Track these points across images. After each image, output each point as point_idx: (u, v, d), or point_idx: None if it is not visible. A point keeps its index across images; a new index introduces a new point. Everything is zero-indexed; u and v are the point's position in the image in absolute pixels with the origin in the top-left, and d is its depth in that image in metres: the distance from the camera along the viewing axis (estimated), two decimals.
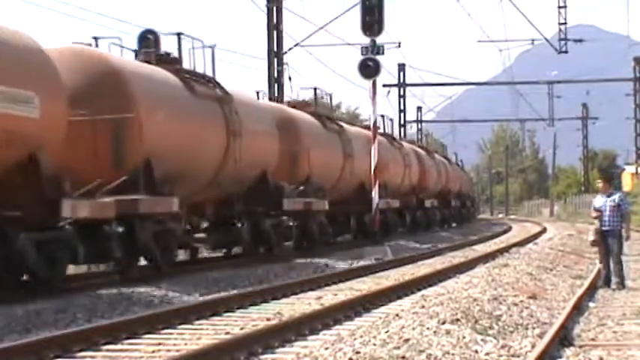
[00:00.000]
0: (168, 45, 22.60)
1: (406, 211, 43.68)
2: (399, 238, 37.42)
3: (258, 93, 30.44)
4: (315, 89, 34.14)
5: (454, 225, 57.71)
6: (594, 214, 18.93)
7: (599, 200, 18.89)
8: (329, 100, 35.35)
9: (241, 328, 12.91)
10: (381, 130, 40.40)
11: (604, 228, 18.68)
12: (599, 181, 19.55)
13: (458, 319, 12.14)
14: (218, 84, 23.27)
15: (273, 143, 26.44)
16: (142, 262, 20.16)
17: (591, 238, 19.08)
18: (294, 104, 32.28)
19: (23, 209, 15.90)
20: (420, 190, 47.29)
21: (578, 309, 14.70)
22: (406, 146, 46.41)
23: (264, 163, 25.57)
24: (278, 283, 19.31)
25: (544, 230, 52.41)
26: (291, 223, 27.49)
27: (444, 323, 11.87)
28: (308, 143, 29.42)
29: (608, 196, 18.79)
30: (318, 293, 17.81)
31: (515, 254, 27.05)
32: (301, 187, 28.50)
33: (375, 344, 10.53)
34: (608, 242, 18.68)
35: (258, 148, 24.74)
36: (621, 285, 18.49)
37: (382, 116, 43.23)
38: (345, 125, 35.57)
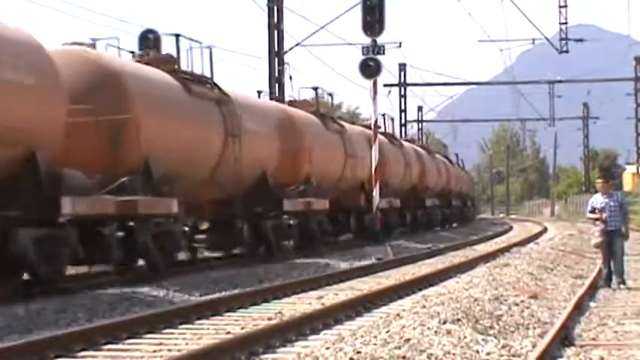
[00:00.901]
0: (166, 46, 22.65)
1: (406, 211, 43.52)
2: (399, 238, 37.30)
3: (259, 93, 30.34)
4: (315, 89, 34.05)
5: (455, 225, 57.53)
6: (593, 216, 18.84)
7: (598, 200, 18.83)
8: (330, 100, 35.38)
9: (242, 328, 12.91)
10: (381, 130, 40.40)
11: (609, 228, 18.65)
12: (600, 180, 19.48)
13: (459, 319, 12.15)
14: (216, 85, 23.29)
15: (273, 143, 26.43)
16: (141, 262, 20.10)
17: (597, 240, 18.94)
18: (296, 104, 32.19)
19: (22, 206, 15.96)
20: (421, 190, 47.15)
21: (579, 309, 14.70)
22: (407, 145, 46.29)
23: (264, 164, 25.53)
24: (279, 282, 19.31)
25: (545, 230, 52.41)
26: (291, 222, 27.35)
27: (444, 323, 11.87)
28: (309, 143, 29.35)
29: (610, 196, 18.76)
30: (319, 293, 17.82)
31: (516, 254, 27.04)
32: (302, 187, 28.50)
33: (375, 344, 10.53)
34: (614, 242, 18.66)
35: (257, 149, 24.76)
36: (622, 283, 18.50)
37: (383, 115, 43.19)
38: (346, 125, 35.44)
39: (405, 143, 47.03)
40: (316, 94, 33.83)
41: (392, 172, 39.67)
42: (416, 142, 55.94)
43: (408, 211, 43.74)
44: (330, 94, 34.26)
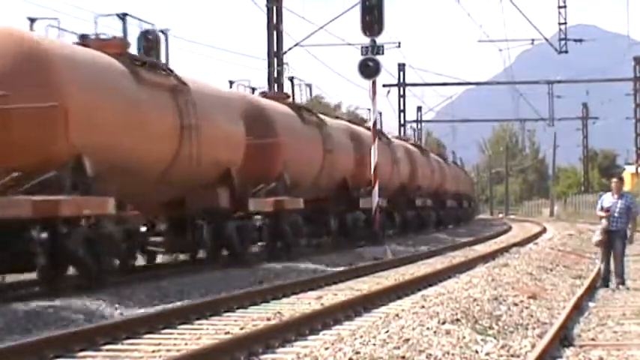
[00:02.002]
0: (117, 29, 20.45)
1: (395, 212, 41.29)
2: (389, 242, 34.55)
3: (231, 83, 28.20)
4: (291, 79, 32.45)
5: (450, 226, 56.58)
6: (603, 214, 18.80)
7: (608, 200, 18.79)
8: (308, 92, 32.90)
9: (241, 328, 12.91)
10: (367, 125, 38.47)
11: (612, 228, 18.65)
12: (615, 180, 19.38)
13: (458, 319, 12.15)
14: (172, 72, 21.22)
15: (238, 137, 24.08)
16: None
17: (598, 238, 18.98)
18: (269, 95, 30.16)
19: None
20: (412, 190, 45.13)
21: (579, 309, 14.70)
22: (395, 142, 43.75)
23: (227, 159, 23.31)
24: (278, 282, 19.31)
25: (544, 230, 52.39)
26: (258, 224, 25.24)
27: (444, 323, 11.87)
28: (282, 136, 26.80)
29: (620, 197, 18.71)
30: (318, 293, 17.82)
31: (515, 254, 27.04)
32: (273, 184, 26.22)
33: (375, 344, 10.53)
34: (614, 242, 18.67)
35: (219, 143, 22.59)
36: (622, 283, 18.51)
37: (369, 110, 42.04)
38: (326, 118, 33.38)
39: (395, 140, 44.49)
40: (292, 84, 31.88)
41: (380, 169, 35.55)
42: (409, 140, 53.90)
43: (396, 211, 41.47)
44: (309, 85, 32.35)
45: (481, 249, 33.35)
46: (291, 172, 27.17)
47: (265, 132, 26.14)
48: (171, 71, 21.25)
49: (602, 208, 18.81)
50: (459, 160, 74.01)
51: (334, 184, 32.48)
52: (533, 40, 56.95)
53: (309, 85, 32.38)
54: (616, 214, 18.59)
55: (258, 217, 25.23)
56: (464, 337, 11.01)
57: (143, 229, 21.94)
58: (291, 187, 27.22)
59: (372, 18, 31.70)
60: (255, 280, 20.29)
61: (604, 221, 18.72)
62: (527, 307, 14.37)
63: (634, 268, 22.97)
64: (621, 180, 19.43)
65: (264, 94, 29.64)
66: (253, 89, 28.63)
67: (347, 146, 33.59)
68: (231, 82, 28.08)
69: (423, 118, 78.52)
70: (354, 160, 34.18)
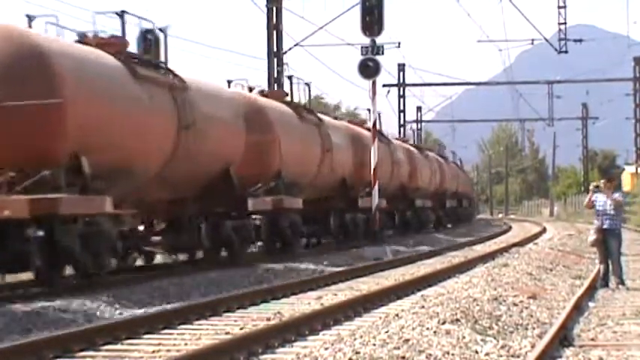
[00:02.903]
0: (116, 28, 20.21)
1: (395, 212, 41.52)
2: (388, 241, 34.40)
3: (229, 82, 27.88)
4: (290, 77, 32.36)
5: (449, 226, 56.45)
6: (589, 204, 18.98)
7: (601, 199, 18.82)
8: (307, 91, 32.43)
9: (241, 328, 12.91)
10: (367, 125, 38.05)
11: (604, 227, 18.69)
12: (603, 181, 19.43)
13: (458, 319, 12.15)
14: (170, 70, 21.13)
15: (237, 136, 23.89)
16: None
17: (592, 237, 19.06)
18: (267, 93, 29.73)
19: None
20: (411, 190, 45.03)
21: (578, 309, 14.70)
22: (395, 143, 43.73)
23: (226, 158, 23.07)
24: (278, 282, 19.30)
25: (544, 230, 52.40)
26: (258, 223, 25.17)
27: (443, 323, 11.87)
28: (280, 135, 26.70)
29: (610, 196, 18.77)
30: (318, 293, 17.82)
31: (515, 254, 27.04)
32: (271, 184, 26.12)
33: (374, 344, 10.53)
34: (608, 241, 18.70)
35: (218, 142, 22.42)
36: (621, 283, 18.52)
37: (368, 110, 41.77)
38: (324, 117, 33.24)
39: (395, 141, 44.38)
40: (290, 83, 31.80)
41: (379, 170, 35.26)
42: (407, 141, 53.34)
43: (396, 211, 41.60)
44: (308, 84, 31.87)
45: (481, 249, 33.35)
46: (289, 170, 26.99)
47: (264, 131, 26.06)
48: (170, 69, 21.13)
49: (593, 206, 18.89)
50: (459, 160, 73.94)
51: (333, 183, 32.31)
52: (532, 40, 56.93)
53: (308, 84, 32.16)
54: (608, 213, 18.64)
55: (257, 216, 25.14)
56: (464, 337, 11.01)
57: (141, 228, 21.78)
58: (290, 186, 27.08)
59: (372, 18, 31.67)
60: (255, 280, 20.26)
61: (596, 221, 18.84)
62: (527, 307, 14.37)
63: (633, 268, 22.98)
64: (610, 180, 19.43)
65: (262, 93, 29.29)
66: (251, 88, 28.50)
67: (346, 146, 33.48)
68: (229, 82, 27.94)
69: (423, 118, 78.51)
70: (353, 160, 34.07)
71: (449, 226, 56.60)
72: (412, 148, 48.87)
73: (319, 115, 32.48)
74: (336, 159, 31.79)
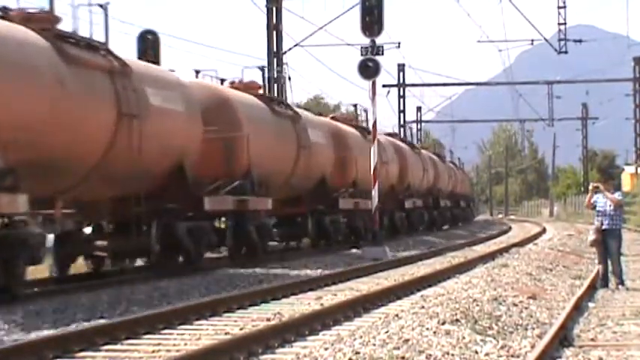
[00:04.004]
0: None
1: (383, 213, 37.45)
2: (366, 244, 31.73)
3: (197, 72, 26.02)
4: (262, 68, 31.06)
5: (445, 227, 55.22)
6: (590, 206, 19.02)
7: (601, 200, 18.84)
8: (287, 83, 31.59)
9: (241, 329, 12.91)
10: (354, 122, 37.75)
11: (604, 227, 18.70)
12: (598, 184, 19.45)
13: (457, 320, 12.15)
14: (110, 52, 18.82)
15: (192, 128, 21.64)
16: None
17: (592, 237, 19.08)
18: (236, 85, 27.28)
19: None
20: (402, 190, 43.22)
21: (578, 309, 14.70)
22: (383, 141, 41.04)
23: (179, 152, 20.94)
24: (277, 283, 19.30)
25: (544, 231, 52.40)
26: (223, 226, 23.99)
27: (443, 324, 11.87)
28: (248, 129, 24.41)
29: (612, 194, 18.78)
30: (317, 293, 17.81)
31: (515, 254, 27.04)
32: (237, 182, 23.77)
33: (374, 344, 10.53)
34: (608, 242, 18.71)
35: (169, 133, 20.35)
36: (621, 284, 18.52)
37: (354, 105, 39.88)
38: (302, 112, 31.34)
39: (382, 137, 41.49)
40: (263, 75, 30.58)
41: (363, 169, 33.48)
42: (397, 136, 51.55)
43: (385, 213, 37.80)
44: (287, 77, 31.25)
45: (480, 249, 33.35)
46: (259, 168, 24.76)
47: (229, 124, 23.91)
48: (110, 51, 18.84)
49: (594, 207, 18.91)
50: (457, 160, 73.90)
51: (312, 182, 30.14)
52: (532, 40, 56.95)
53: (288, 77, 31.09)
54: (608, 213, 18.64)
55: (223, 219, 24.01)
56: (463, 338, 11.01)
57: (88, 231, 20.32)
58: (260, 185, 24.94)
59: (372, 18, 31.63)
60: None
61: (596, 221, 18.85)
62: (526, 308, 14.37)
63: (633, 268, 22.98)
64: (607, 181, 19.44)
65: (232, 84, 27.13)
66: (222, 80, 26.75)
67: (327, 143, 31.66)
68: (197, 72, 26.06)
69: (423, 119, 78.51)
70: (334, 158, 32.28)
71: (445, 227, 55.28)
72: (403, 145, 46.91)
73: (296, 109, 30.67)
74: (314, 157, 29.71)
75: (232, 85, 27.17)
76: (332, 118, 37.46)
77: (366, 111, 38.36)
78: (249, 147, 24.09)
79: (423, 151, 53.21)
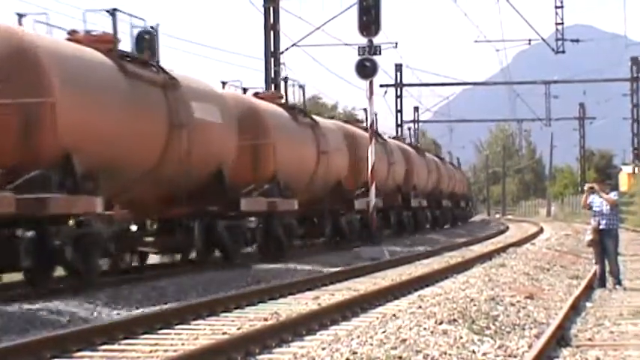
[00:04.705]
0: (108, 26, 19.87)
1: (391, 212, 41.07)
2: (385, 242, 33.87)
3: (224, 84, 27.39)
4: (285, 79, 32.39)
5: (446, 226, 56.70)
6: (586, 206, 19.06)
7: (597, 200, 18.87)
8: (301, 92, 32.22)
9: (238, 328, 12.91)
10: (364, 125, 38.11)
11: (601, 227, 18.71)
12: (594, 184, 19.49)
13: (455, 320, 12.15)
14: (162, 68, 20.87)
15: (229, 137, 23.64)
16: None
17: (589, 237, 19.11)
18: (262, 95, 29.35)
19: None
20: (407, 190, 44.76)
21: (575, 309, 14.71)
22: (391, 143, 43.66)
23: (219, 159, 22.91)
24: (275, 283, 19.30)
25: (541, 230, 52.40)
26: (253, 226, 25.45)
27: (441, 323, 11.88)
28: (274, 137, 26.52)
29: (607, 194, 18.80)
30: (315, 293, 17.82)
31: (512, 254, 27.04)
32: (266, 186, 25.78)
33: (372, 344, 10.53)
34: (605, 242, 18.72)
35: (211, 142, 22.22)
36: (618, 284, 18.53)
37: (365, 109, 39.56)
38: (319, 119, 33.16)
39: (391, 141, 44.25)
40: (285, 85, 31.68)
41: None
42: (405, 140, 53.84)
43: (392, 212, 41.27)
44: (302, 86, 31.78)
45: (478, 249, 33.35)
46: (284, 172, 26.79)
47: (258, 132, 25.96)
48: (162, 68, 20.87)
49: (590, 207, 18.94)
50: (456, 160, 73.90)
51: (329, 185, 31.93)
52: (530, 40, 56.95)
53: (303, 86, 31.86)
54: (605, 213, 18.66)
55: (252, 219, 25.31)
56: (461, 338, 11.02)
57: (134, 228, 21.47)
58: (285, 189, 26.84)
59: (369, 18, 31.68)
60: (253, 280, 20.21)
61: (593, 221, 18.87)
62: (524, 307, 14.37)
63: (631, 268, 22.99)
64: (603, 181, 19.46)
65: (257, 95, 28.89)
66: (245, 89, 28.27)
67: (342, 148, 33.23)
68: (223, 83, 27.55)
69: (420, 119, 78.51)
70: (348, 161, 33.79)
71: (446, 226, 56.64)
72: (409, 148, 48.78)
73: (314, 117, 32.25)
74: (332, 161, 31.50)
75: (256, 95, 28.86)
76: (345, 121, 38.00)
77: (376, 114, 38.92)
78: (275, 154, 26.30)
79: (427, 154, 55.06)
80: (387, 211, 39.90)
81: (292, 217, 27.70)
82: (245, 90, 28.36)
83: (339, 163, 32.66)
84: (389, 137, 45.22)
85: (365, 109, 38.64)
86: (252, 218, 25.41)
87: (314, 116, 32.73)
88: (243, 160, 24.69)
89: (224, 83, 27.56)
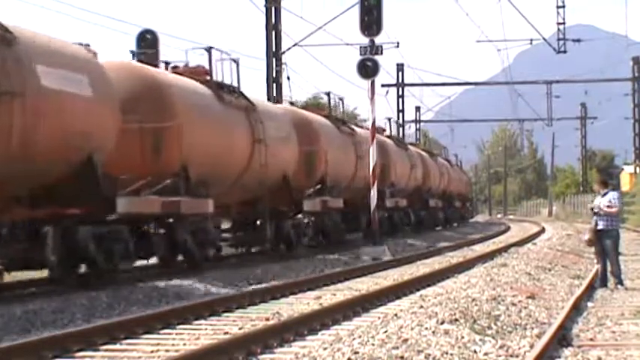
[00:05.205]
0: (198, 58, 23.78)
1: (411, 211, 44.94)
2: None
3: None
4: (328, 94, 35.06)
5: (455, 225, 57.71)
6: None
7: (597, 200, 18.95)
8: (341, 105, 36.26)
9: (240, 328, 12.91)
10: (387, 132, 41.95)
11: (598, 228, 18.72)
12: (595, 183, 19.61)
13: (456, 319, 12.15)
14: (243, 94, 24.62)
15: (292, 148, 28.00)
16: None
17: (586, 237, 19.23)
18: (310, 108, 34.12)
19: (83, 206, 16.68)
20: (425, 191, 48.48)
21: (577, 309, 14.71)
22: (410, 148, 47.58)
23: (284, 167, 26.99)
24: (277, 282, 19.31)
25: (542, 230, 52.38)
26: (306, 221, 29.14)
27: (442, 323, 11.88)
28: (324, 144, 30.66)
29: (603, 197, 18.82)
30: (317, 293, 17.82)
31: (514, 254, 27.05)
32: (318, 187, 30.00)
33: (373, 344, 10.53)
34: (603, 242, 18.73)
35: (279, 153, 26.23)
36: (620, 284, 18.52)
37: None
38: (356, 128, 36.61)
39: (413, 148, 48.82)
40: (329, 99, 34.73)
41: (398, 173, 41.41)
42: (419, 146, 56.57)
43: (412, 210, 44.96)
44: (342, 99, 35.66)
45: (479, 249, 33.36)
46: (331, 175, 31.02)
47: (312, 141, 29.92)
48: (242, 93, 24.65)
49: (592, 208, 19.01)
50: (460, 163, 73.73)
51: (365, 186, 32.93)
52: (531, 40, 56.94)
53: (342, 99, 35.81)
54: (601, 213, 18.68)
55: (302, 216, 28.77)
56: (462, 337, 11.02)
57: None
58: (331, 188, 31.11)
59: (371, 18, 31.61)
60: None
61: (593, 221, 18.91)
62: (525, 307, 14.37)
63: (632, 268, 22.99)
64: (601, 181, 19.46)
65: (305, 107, 34.00)
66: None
67: (370, 152, 35.15)
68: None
69: (422, 119, 78.51)
70: (379, 163, 36.13)
71: (455, 224, 58.09)
72: (424, 153, 52.46)
73: (352, 126, 36.38)
74: (367, 165, 32.83)
75: (305, 107, 34.25)
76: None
77: (390, 119, 40.45)
78: (326, 158, 30.35)
79: (439, 158, 58.55)
80: (408, 210, 43.70)
81: (338, 213, 31.90)
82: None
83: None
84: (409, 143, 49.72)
85: (388, 119, 41.27)
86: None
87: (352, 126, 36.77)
88: (301, 165, 28.77)
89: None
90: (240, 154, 23.90)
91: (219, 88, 23.22)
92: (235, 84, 24.35)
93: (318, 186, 29.97)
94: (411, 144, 55.72)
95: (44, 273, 20.22)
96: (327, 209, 30.18)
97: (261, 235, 26.44)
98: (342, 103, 36.13)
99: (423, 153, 56.00)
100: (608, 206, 18.63)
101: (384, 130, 43.44)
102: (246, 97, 24.77)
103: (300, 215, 28.53)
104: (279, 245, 27.46)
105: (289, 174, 27.28)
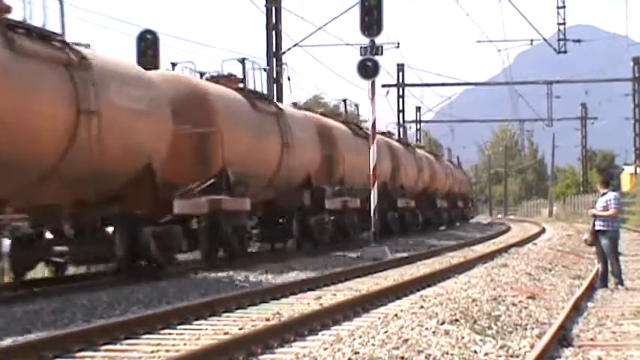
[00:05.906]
0: (232, 67, 25.38)
1: (419, 211, 46.28)
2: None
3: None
4: (344, 100, 37.07)
5: (457, 224, 58.21)
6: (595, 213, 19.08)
7: (598, 199, 18.97)
8: (356, 111, 38.22)
9: (240, 329, 12.91)
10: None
11: (596, 228, 18.73)
12: (597, 182, 19.65)
13: (457, 320, 12.15)
14: (272, 101, 26.62)
15: (316, 150, 29.97)
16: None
17: (585, 237, 19.29)
18: (329, 115, 35.80)
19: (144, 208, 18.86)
20: (432, 192, 50.46)
21: (577, 309, 14.71)
22: (418, 151, 49.24)
23: (308, 167, 29.02)
24: (277, 283, 19.30)
25: (543, 230, 52.37)
26: (326, 220, 30.78)
27: (442, 323, 11.88)
28: (342, 148, 33.05)
29: (602, 197, 18.83)
30: (317, 293, 17.81)
31: (514, 254, 27.04)
32: (337, 187, 32.19)
33: (374, 344, 10.53)
34: (601, 242, 18.72)
35: (304, 155, 28.17)
36: (620, 284, 18.52)
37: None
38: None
39: (421, 151, 50.39)
40: (345, 105, 36.42)
41: (407, 175, 43.51)
42: (387, 134, 54.01)
43: (420, 211, 46.57)
44: (357, 105, 37.47)
45: (480, 249, 33.35)
46: (348, 176, 33.52)
47: (331, 145, 32.40)
48: (271, 101, 26.85)
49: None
50: (456, 159, 73.71)
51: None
52: (532, 40, 56.98)
53: (357, 105, 37.98)
54: (599, 213, 18.70)
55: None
56: (463, 338, 11.02)
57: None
58: (349, 189, 33.32)
59: (371, 18, 31.61)
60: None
61: (591, 221, 18.95)
62: (526, 308, 14.37)
63: (632, 269, 22.99)
64: (601, 182, 19.46)
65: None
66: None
67: (384, 155, 38.19)
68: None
69: (422, 119, 78.52)
70: (391, 168, 39.42)
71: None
72: (430, 156, 54.22)
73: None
74: (378, 166, 32.33)
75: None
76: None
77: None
78: (344, 161, 32.95)
79: (444, 160, 61.48)
80: (416, 211, 45.18)
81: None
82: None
83: (384, 168, 37.82)
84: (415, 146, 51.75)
85: (397, 124, 42.61)
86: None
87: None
88: (322, 166, 30.86)
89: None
90: (272, 156, 25.89)
91: (251, 95, 25.11)
92: (265, 91, 26.45)
93: (337, 187, 32.18)
94: (418, 146, 55.98)
95: (44, 273, 20.28)
96: (346, 209, 32.17)
97: (287, 231, 28.33)
98: (357, 109, 38.05)
99: (430, 155, 56.39)
100: (603, 208, 18.62)
101: (392, 134, 44.33)
102: (274, 104, 26.60)
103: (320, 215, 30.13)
104: (303, 241, 29.27)
105: (312, 175, 29.30)
